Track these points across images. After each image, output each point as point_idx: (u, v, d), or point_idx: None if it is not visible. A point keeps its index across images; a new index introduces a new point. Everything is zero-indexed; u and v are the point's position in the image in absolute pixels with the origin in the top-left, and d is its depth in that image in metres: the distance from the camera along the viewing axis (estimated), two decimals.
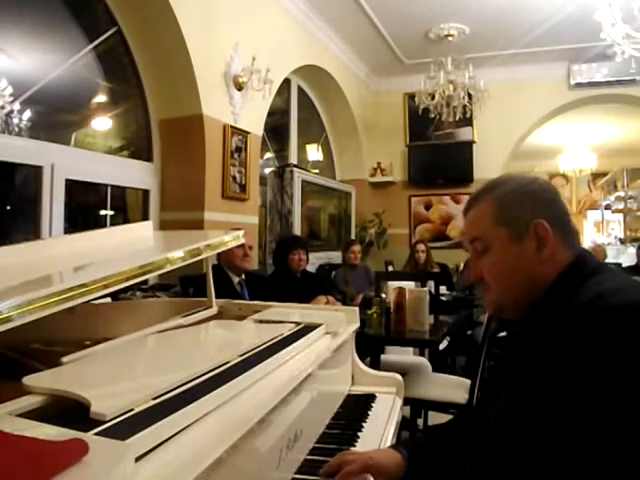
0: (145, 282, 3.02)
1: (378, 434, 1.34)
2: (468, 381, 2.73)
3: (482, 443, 0.90)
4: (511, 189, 0.95)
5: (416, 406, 2.80)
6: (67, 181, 2.90)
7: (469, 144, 6.22)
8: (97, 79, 3.19)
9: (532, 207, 0.91)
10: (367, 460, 1.01)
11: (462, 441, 1.04)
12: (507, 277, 0.92)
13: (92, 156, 3.13)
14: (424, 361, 3.23)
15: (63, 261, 1.21)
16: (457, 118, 5.34)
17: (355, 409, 1.47)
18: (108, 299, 1.73)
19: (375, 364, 2.75)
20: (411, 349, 3.64)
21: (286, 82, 4.95)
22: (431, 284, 3.64)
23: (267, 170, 4.87)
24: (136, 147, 3.50)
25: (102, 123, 3.33)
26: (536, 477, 0.76)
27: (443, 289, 4.24)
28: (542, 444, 0.75)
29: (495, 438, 0.86)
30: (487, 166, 6.10)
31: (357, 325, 1.67)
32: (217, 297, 1.64)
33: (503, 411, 0.87)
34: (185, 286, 2.87)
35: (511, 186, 0.96)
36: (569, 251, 0.90)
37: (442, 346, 3.44)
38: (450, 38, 5.13)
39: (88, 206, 3.37)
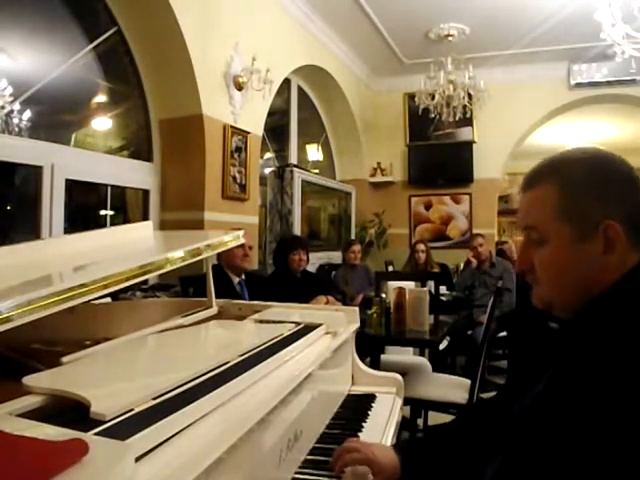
0: (145, 282, 3.02)
1: (378, 434, 1.34)
2: (468, 381, 2.73)
3: (513, 436, 0.80)
4: (582, 174, 0.79)
5: (416, 406, 2.80)
6: (67, 181, 2.90)
7: (469, 144, 6.22)
8: (97, 79, 3.19)
9: (604, 201, 0.77)
10: (370, 455, 1.01)
11: (469, 442, 1.02)
12: (562, 278, 0.81)
13: (92, 156, 3.13)
14: (424, 361, 3.23)
15: (63, 261, 1.21)
16: (457, 118, 5.33)
17: (355, 409, 1.47)
18: (108, 299, 1.73)
19: (375, 364, 2.75)
20: (411, 349, 3.64)
21: (286, 82, 4.95)
22: (431, 284, 3.64)
23: (267, 170, 4.87)
24: (136, 147, 3.50)
25: (102, 123, 3.33)
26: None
27: (443, 289, 4.24)
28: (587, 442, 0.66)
29: (532, 428, 0.76)
30: (487, 166, 6.11)
31: (357, 325, 1.67)
32: (217, 297, 1.64)
33: (543, 399, 0.77)
34: (185, 286, 2.87)
35: (582, 169, 0.80)
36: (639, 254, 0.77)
37: (442, 346, 3.44)
38: (450, 38, 5.13)
39: (88, 206, 3.37)
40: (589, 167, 0.80)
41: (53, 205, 2.82)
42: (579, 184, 0.79)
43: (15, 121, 2.67)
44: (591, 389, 0.68)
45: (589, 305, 0.79)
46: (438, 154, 6.34)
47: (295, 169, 4.75)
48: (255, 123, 4.00)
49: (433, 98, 5.22)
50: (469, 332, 4.14)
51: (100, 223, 3.37)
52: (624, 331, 0.70)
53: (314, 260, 4.61)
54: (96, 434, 0.63)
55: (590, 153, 0.83)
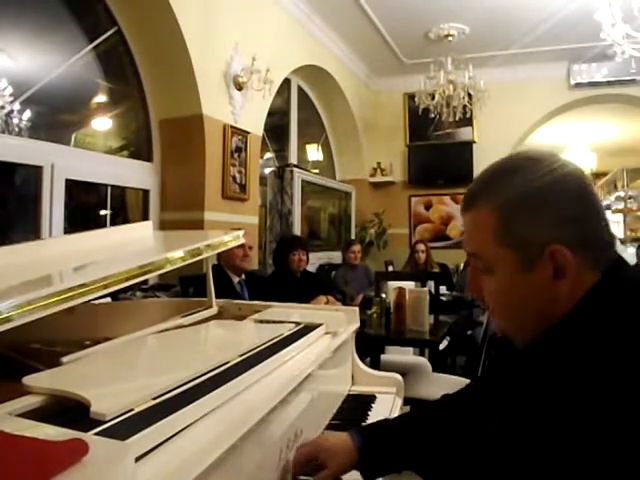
0: (145, 282, 3.02)
1: None
2: (468, 381, 2.73)
3: (480, 462, 0.75)
4: (520, 193, 0.71)
5: (416, 406, 2.78)
6: (67, 181, 2.90)
7: (469, 144, 6.22)
8: (97, 79, 3.19)
9: (547, 223, 0.69)
10: (316, 446, 1.00)
11: (433, 435, 0.99)
12: (512, 308, 0.75)
13: (92, 156, 3.13)
14: (424, 361, 3.23)
15: (63, 261, 1.21)
16: (457, 118, 5.34)
17: (355, 409, 1.47)
18: (108, 299, 1.73)
19: (375, 364, 2.75)
20: (411, 349, 3.64)
21: (286, 82, 4.95)
22: (431, 284, 3.63)
23: (267, 170, 4.87)
24: (136, 147, 3.50)
25: (102, 123, 3.33)
26: None
27: (443, 289, 4.24)
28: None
29: (495, 455, 0.71)
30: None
31: (357, 325, 1.67)
32: (217, 297, 1.64)
33: (501, 428, 0.72)
34: (185, 286, 2.87)
35: (518, 188, 0.71)
36: (599, 273, 0.70)
37: (442, 346, 3.44)
38: (450, 38, 5.13)
39: (88, 206, 3.37)
40: (525, 185, 0.71)
41: (53, 205, 2.82)
42: (515, 206, 0.71)
43: (15, 121, 2.67)
44: (552, 420, 0.63)
45: (547, 334, 0.72)
46: (438, 154, 6.34)
47: (295, 169, 4.75)
48: (255, 123, 4.00)
49: (433, 98, 5.22)
50: (469, 332, 4.14)
51: (100, 223, 3.37)
52: (586, 359, 0.64)
53: (314, 260, 4.61)
54: (96, 434, 0.63)
55: (531, 164, 0.73)
